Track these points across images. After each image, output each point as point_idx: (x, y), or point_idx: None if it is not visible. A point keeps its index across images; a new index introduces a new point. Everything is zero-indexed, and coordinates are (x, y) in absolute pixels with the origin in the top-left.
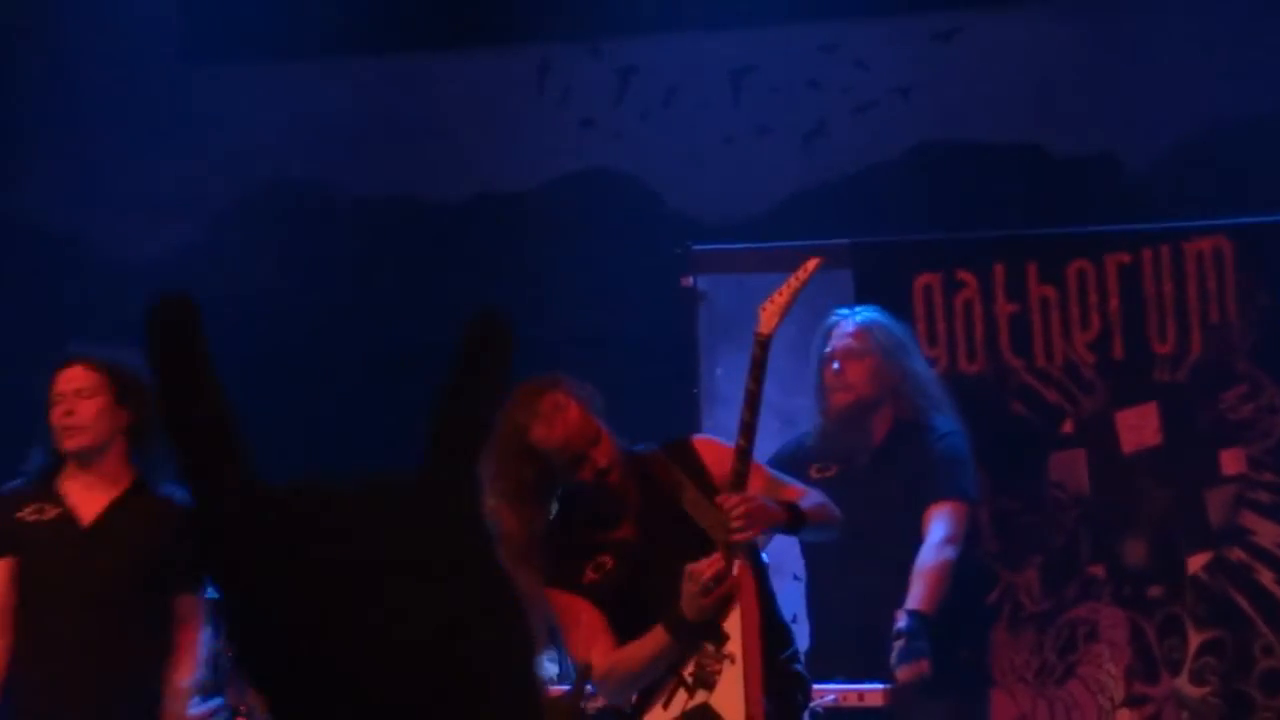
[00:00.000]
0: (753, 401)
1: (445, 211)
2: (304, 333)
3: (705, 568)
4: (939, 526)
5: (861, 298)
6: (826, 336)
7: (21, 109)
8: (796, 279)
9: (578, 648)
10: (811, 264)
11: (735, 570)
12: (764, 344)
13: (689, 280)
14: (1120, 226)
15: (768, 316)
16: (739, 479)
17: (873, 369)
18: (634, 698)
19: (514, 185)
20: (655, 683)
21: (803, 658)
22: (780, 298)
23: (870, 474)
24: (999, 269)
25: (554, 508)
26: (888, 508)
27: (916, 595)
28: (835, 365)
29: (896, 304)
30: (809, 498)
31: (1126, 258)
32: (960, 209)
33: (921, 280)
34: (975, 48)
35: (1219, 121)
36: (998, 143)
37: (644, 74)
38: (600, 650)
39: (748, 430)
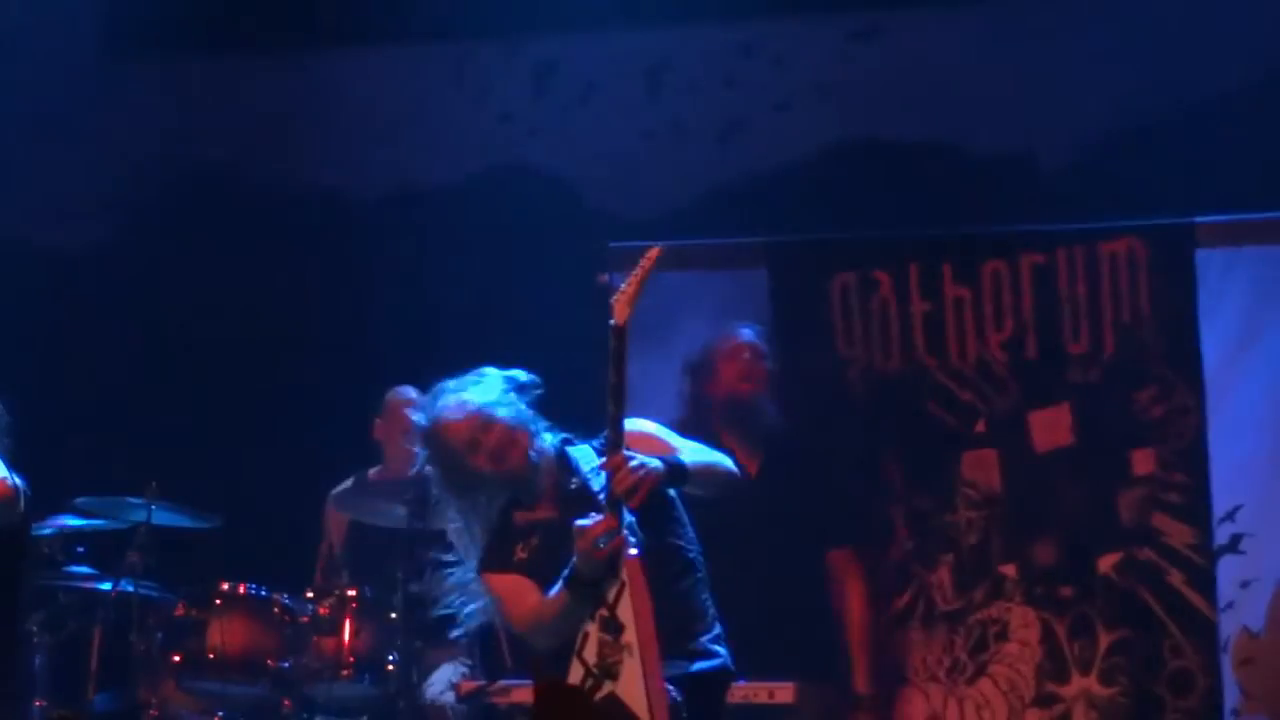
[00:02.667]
0: (616, 394)
1: (364, 206)
2: (222, 325)
3: (593, 525)
4: None
5: (777, 297)
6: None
7: None
8: (641, 269)
9: (520, 619)
10: (653, 253)
11: (622, 529)
12: (619, 334)
13: (604, 277)
14: (1035, 226)
15: (619, 307)
16: (614, 447)
17: None
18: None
19: (432, 180)
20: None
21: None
22: (629, 289)
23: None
24: (914, 268)
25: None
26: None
27: None
28: None
29: (812, 303)
30: (698, 455)
31: (1041, 258)
32: (876, 208)
33: (838, 280)
34: (892, 47)
35: (1136, 121)
36: (914, 142)
37: (562, 71)
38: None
39: (615, 423)
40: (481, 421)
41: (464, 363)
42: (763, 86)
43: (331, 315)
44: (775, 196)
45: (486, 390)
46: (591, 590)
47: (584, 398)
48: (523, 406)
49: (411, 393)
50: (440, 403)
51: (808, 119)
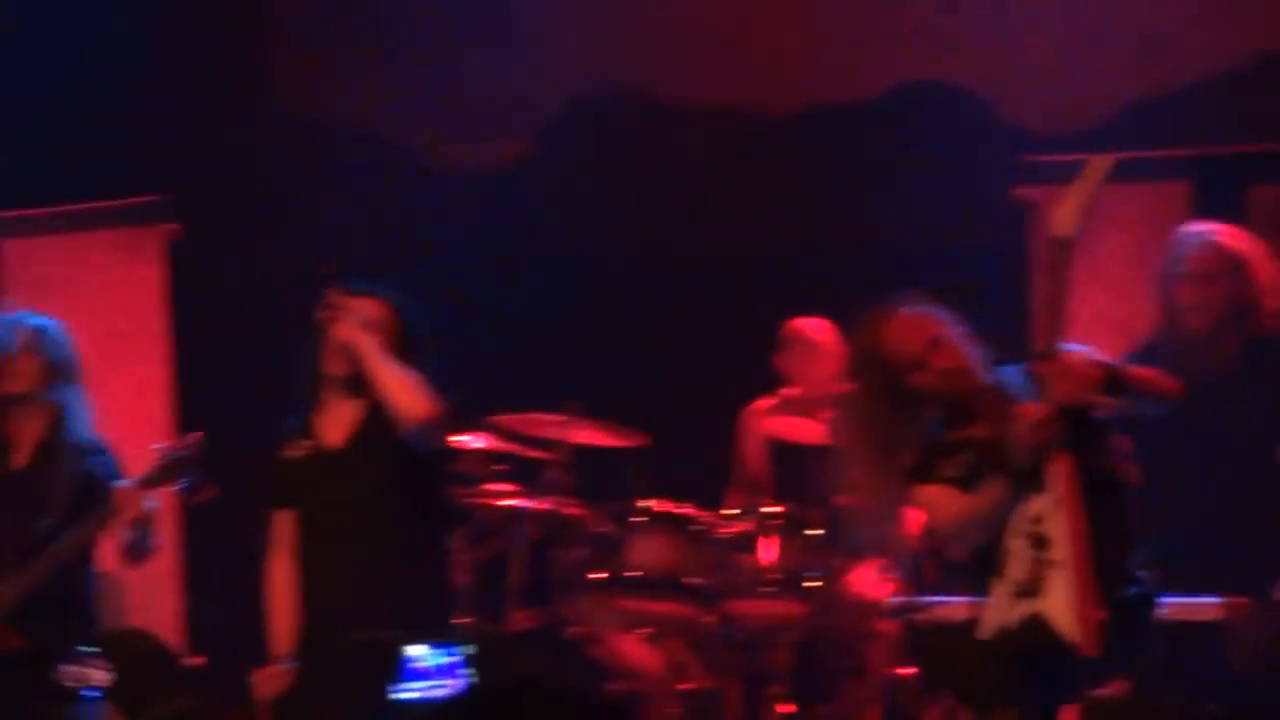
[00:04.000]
0: (1052, 306)
1: (770, 124)
2: (636, 244)
3: (1031, 410)
4: None
5: (1199, 210)
6: (1175, 256)
7: (359, 22)
8: (1087, 178)
9: (949, 518)
10: (1101, 162)
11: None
12: (1059, 246)
13: (1022, 192)
14: None
15: (1060, 218)
16: (1048, 356)
17: (1226, 288)
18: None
19: (842, 97)
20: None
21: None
22: (1072, 199)
23: (1226, 392)
24: None
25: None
26: (1247, 426)
27: None
28: (1189, 286)
29: (1234, 217)
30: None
31: None
32: None
33: (1259, 192)
34: None
35: None
36: None
37: None
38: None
39: (1049, 333)
40: (934, 335)
41: (879, 284)
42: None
43: (740, 234)
44: (1197, 108)
45: (926, 312)
46: (1024, 482)
47: (999, 314)
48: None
49: (812, 324)
50: (881, 318)
51: (1232, 28)
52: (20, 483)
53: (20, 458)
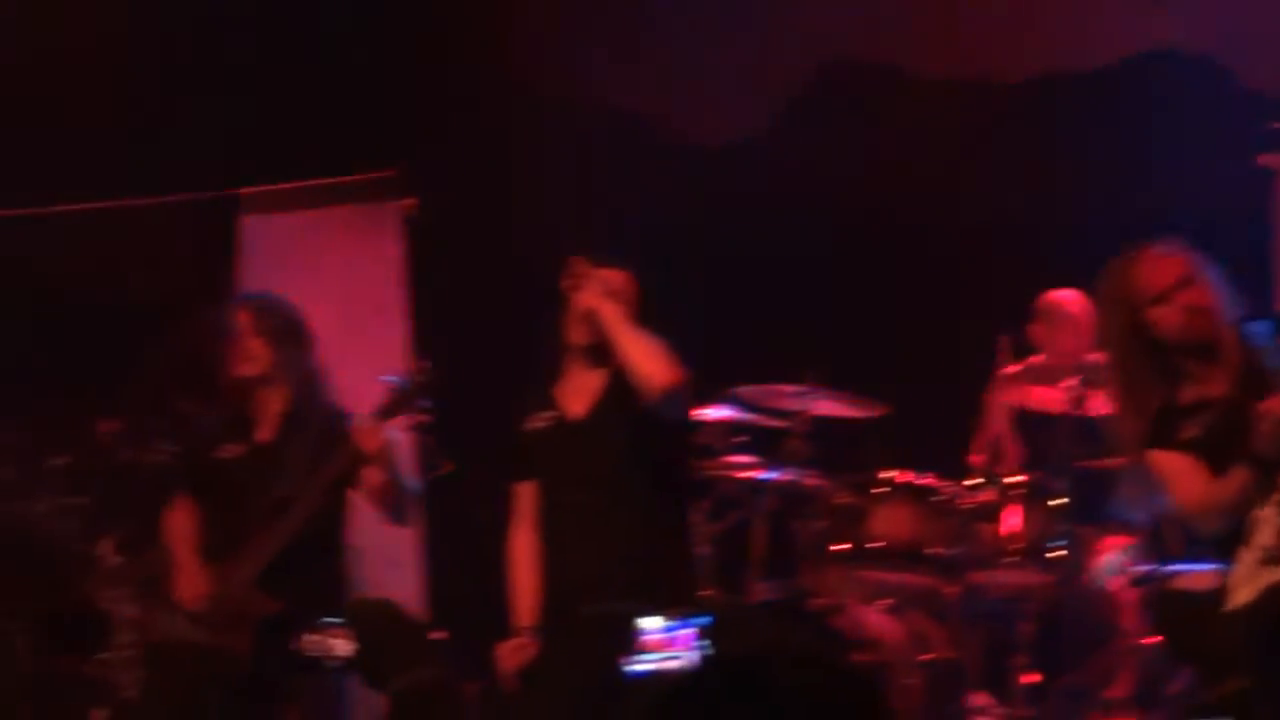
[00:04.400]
0: None
1: (1014, 92)
2: (871, 215)
3: (1275, 404)
4: None
5: None
6: None
7: None
8: None
9: (1189, 500)
10: None
11: None
12: None
13: (1265, 159)
14: None
15: None
16: None
17: None
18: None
19: (1083, 65)
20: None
21: None
22: None
23: None
24: None
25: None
26: None
27: None
28: None
29: None
30: None
31: None
32: None
33: None
34: None
35: None
36: None
37: None
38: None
39: None
40: (1185, 273)
41: (1111, 250)
42: None
43: (984, 202)
44: None
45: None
46: (1273, 471)
47: (1242, 283)
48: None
49: (1067, 296)
50: (1132, 255)
51: None
52: (267, 456)
53: (265, 432)
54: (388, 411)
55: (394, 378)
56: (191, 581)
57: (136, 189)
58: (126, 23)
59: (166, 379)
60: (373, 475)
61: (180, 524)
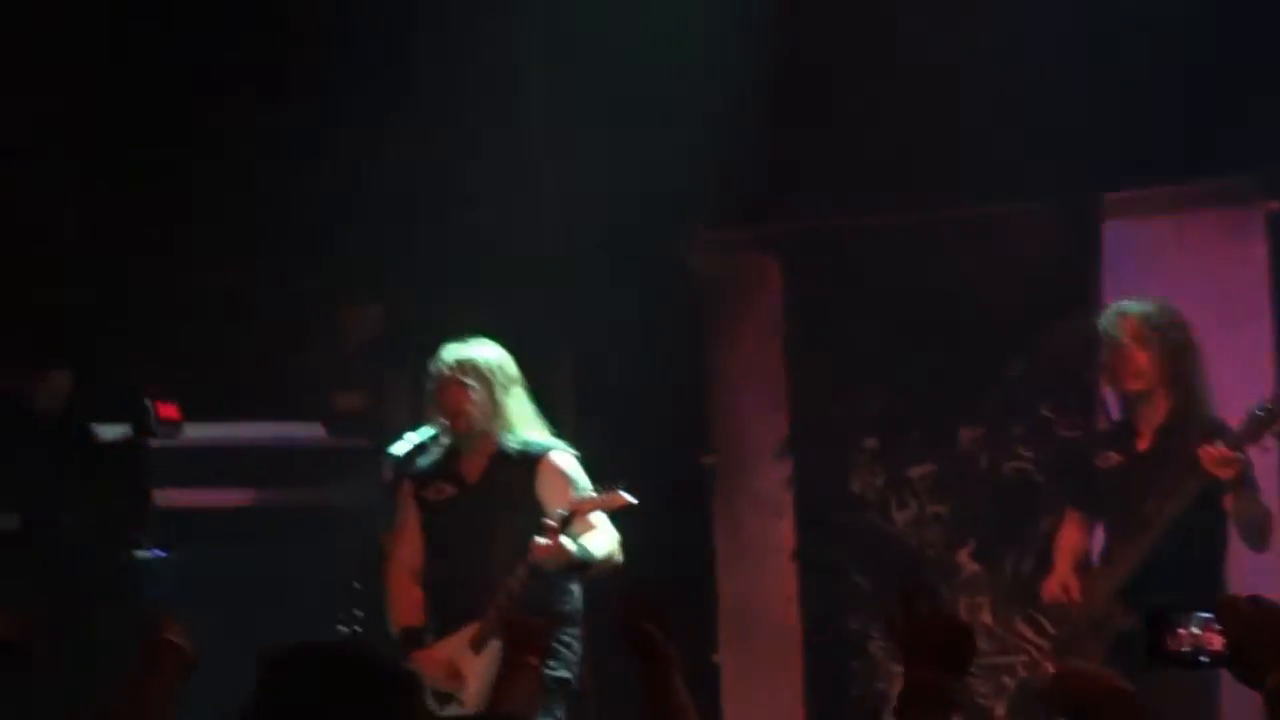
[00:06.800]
0: None
1: None
2: None
3: None
4: None
5: None
6: None
7: None
8: None
9: None
10: None
11: None
12: None
13: None
14: None
15: None
16: None
17: None
18: None
19: None
20: None
21: None
22: None
23: None
24: None
25: None
26: None
27: None
28: None
29: None
30: None
31: None
32: None
33: None
34: None
35: None
36: None
37: None
38: None
39: None
40: None
41: None
42: None
43: None
44: None
45: None
46: None
47: None
48: None
49: None
50: None
51: None
52: (1145, 466)
53: (1144, 442)
54: (1247, 435)
55: (1261, 405)
56: (1061, 587)
57: (998, 195)
58: None
59: (1030, 386)
60: (1228, 499)
61: (1069, 537)
